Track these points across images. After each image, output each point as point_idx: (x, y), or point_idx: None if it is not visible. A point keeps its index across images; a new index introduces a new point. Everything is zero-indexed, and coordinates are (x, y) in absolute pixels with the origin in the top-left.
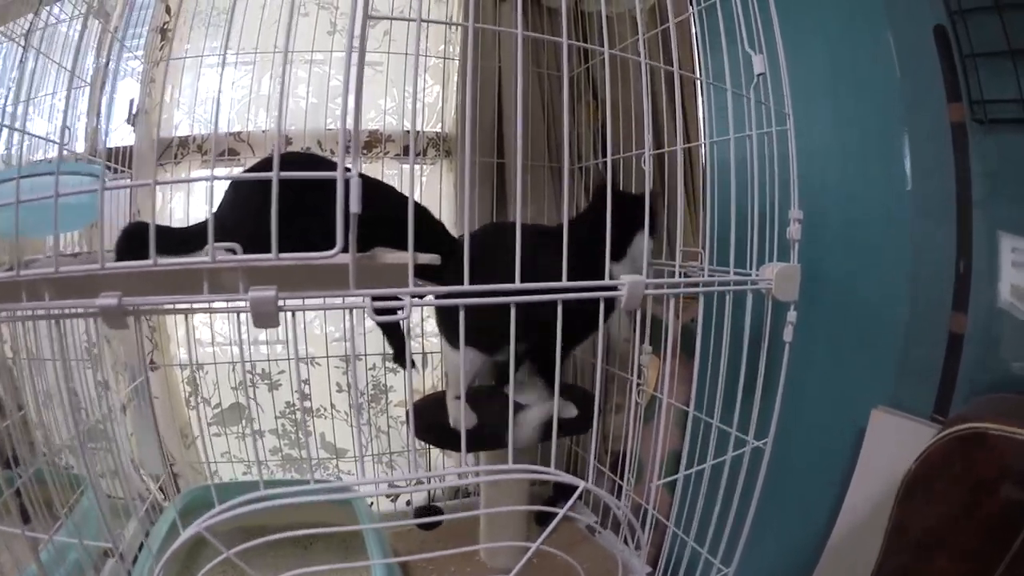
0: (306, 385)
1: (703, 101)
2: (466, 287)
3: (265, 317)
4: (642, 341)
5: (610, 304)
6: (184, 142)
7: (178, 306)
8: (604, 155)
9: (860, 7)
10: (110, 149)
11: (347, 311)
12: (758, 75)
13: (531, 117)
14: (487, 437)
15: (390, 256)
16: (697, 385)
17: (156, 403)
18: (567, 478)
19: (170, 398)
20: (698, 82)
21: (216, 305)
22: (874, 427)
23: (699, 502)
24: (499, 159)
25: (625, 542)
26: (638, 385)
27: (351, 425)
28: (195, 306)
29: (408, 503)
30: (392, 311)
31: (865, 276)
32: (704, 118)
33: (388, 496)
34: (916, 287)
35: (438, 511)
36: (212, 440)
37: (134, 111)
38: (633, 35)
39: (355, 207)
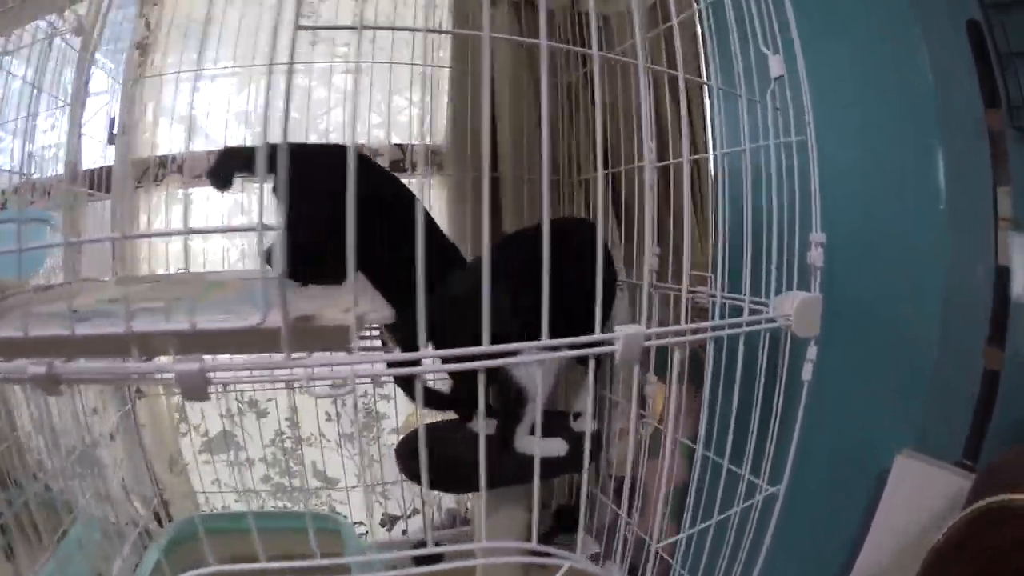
0: (295, 413)
1: (711, 107)
2: (423, 353)
3: (193, 391)
4: (646, 370)
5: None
6: (164, 162)
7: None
8: (605, 167)
9: (888, 3)
10: (88, 171)
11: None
12: (775, 78)
13: (527, 126)
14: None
15: (330, 315)
16: (706, 423)
17: (144, 431)
18: (551, 555)
19: (159, 425)
20: (705, 87)
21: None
22: (898, 473)
23: (705, 547)
24: (492, 173)
25: None
26: (642, 416)
27: (341, 455)
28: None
29: (404, 532)
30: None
31: (892, 304)
32: (712, 126)
33: (383, 525)
34: (948, 317)
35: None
36: (202, 468)
37: (114, 130)
38: (634, 35)
39: (279, 268)
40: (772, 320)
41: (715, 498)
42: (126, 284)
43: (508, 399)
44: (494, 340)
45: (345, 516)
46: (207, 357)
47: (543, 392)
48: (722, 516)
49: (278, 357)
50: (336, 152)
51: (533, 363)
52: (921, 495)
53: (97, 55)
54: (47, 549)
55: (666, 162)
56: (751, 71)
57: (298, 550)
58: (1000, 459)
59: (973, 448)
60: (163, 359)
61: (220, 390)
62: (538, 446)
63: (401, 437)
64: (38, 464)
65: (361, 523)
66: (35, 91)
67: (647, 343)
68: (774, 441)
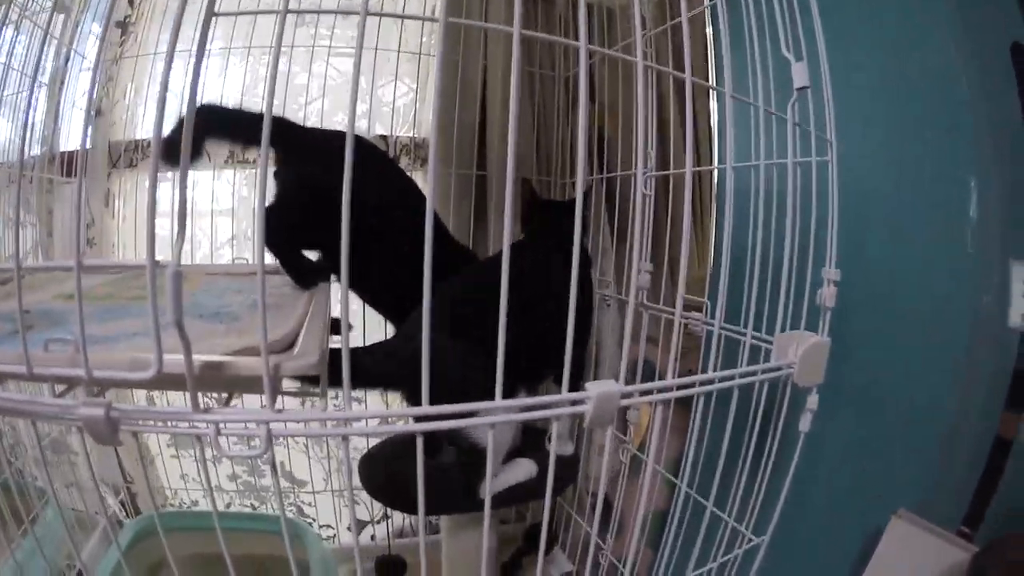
0: None
1: (717, 113)
2: (354, 413)
3: (102, 437)
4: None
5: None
6: (139, 146)
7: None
8: (601, 169)
9: (925, 16)
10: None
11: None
12: (798, 90)
13: (520, 122)
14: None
15: (244, 362)
16: (692, 460)
17: None
18: None
19: None
20: (711, 91)
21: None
22: (892, 535)
23: None
24: (479, 171)
25: None
26: (622, 443)
27: (309, 456)
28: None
29: (372, 538)
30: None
31: (908, 353)
32: (718, 134)
33: (350, 529)
34: (969, 376)
35: (400, 561)
36: (168, 463)
37: (92, 112)
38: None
39: (172, 314)
40: (773, 369)
41: (695, 537)
42: (91, 274)
43: (465, 459)
44: (456, 394)
45: (312, 519)
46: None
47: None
48: (699, 571)
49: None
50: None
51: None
52: (913, 561)
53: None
54: (15, 536)
55: (666, 172)
56: (768, 78)
57: (260, 551)
58: (999, 542)
59: (975, 517)
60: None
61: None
62: (489, 489)
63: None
64: (11, 449)
65: (329, 526)
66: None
67: (623, 402)
68: (763, 490)
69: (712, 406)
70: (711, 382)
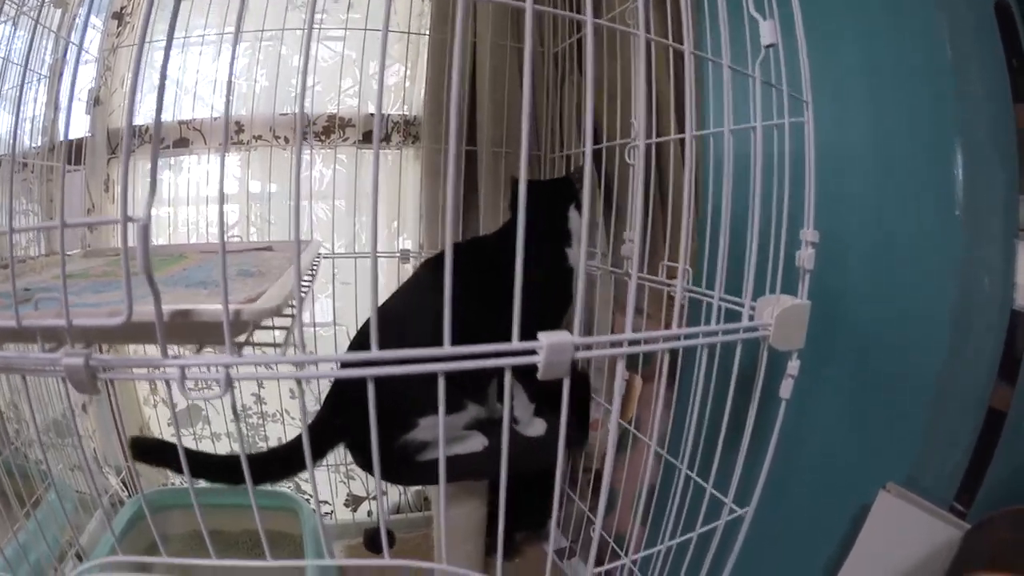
0: (261, 388)
1: (688, 78)
2: (316, 356)
3: (81, 385)
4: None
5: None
6: (136, 132)
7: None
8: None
9: None
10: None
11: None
12: (766, 47)
13: (508, 98)
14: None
15: (207, 311)
16: (673, 429)
17: (114, 401)
18: None
19: (127, 397)
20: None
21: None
22: (880, 510)
23: (667, 563)
24: (470, 146)
25: None
26: (608, 411)
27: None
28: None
29: (369, 514)
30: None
31: (893, 321)
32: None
33: (347, 506)
34: (957, 343)
35: (390, 534)
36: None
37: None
38: (624, 1)
39: (140, 264)
40: (749, 330)
41: (682, 510)
42: (92, 257)
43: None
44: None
45: (309, 495)
46: None
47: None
48: (682, 539)
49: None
50: None
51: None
52: (903, 538)
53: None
54: (18, 518)
55: (652, 140)
56: (741, 36)
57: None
58: (990, 520)
59: (968, 492)
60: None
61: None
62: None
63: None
64: (16, 433)
65: (326, 503)
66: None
67: (579, 354)
68: (743, 459)
69: (701, 372)
70: (676, 339)
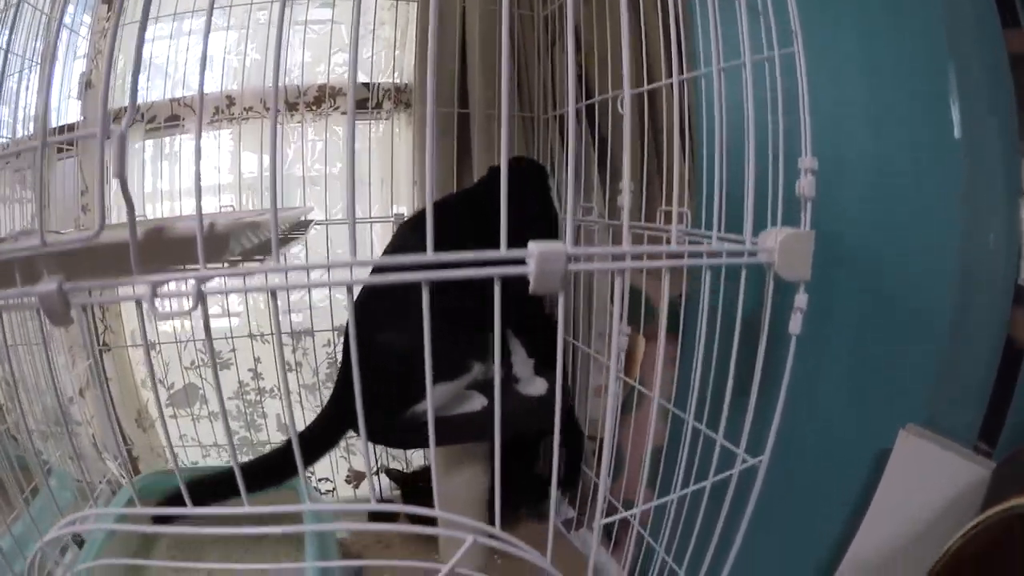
0: (258, 363)
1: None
2: (276, 266)
3: (55, 314)
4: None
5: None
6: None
7: None
8: (583, 100)
9: None
10: (60, 127)
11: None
12: None
13: (499, 59)
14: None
15: (181, 225)
16: (679, 381)
17: (111, 385)
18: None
19: (124, 381)
20: None
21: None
22: (902, 451)
23: (679, 516)
24: (462, 109)
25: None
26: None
27: (303, 407)
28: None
29: (374, 491)
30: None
31: (899, 255)
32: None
33: (348, 482)
34: (967, 273)
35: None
36: (167, 422)
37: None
38: None
39: (114, 169)
40: (750, 254)
41: (692, 464)
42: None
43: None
44: None
45: (311, 472)
46: None
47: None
48: (695, 487)
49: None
50: None
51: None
52: (927, 480)
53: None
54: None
55: (642, 88)
56: None
57: (259, 504)
58: (1019, 455)
59: (991, 430)
60: None
61: (81, 311)
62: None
63: None
64: (15, 424)
65: (327, 479)
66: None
67: (572, 266)
68: (755, 400)
69: (705, 301)
70: (680, 256)
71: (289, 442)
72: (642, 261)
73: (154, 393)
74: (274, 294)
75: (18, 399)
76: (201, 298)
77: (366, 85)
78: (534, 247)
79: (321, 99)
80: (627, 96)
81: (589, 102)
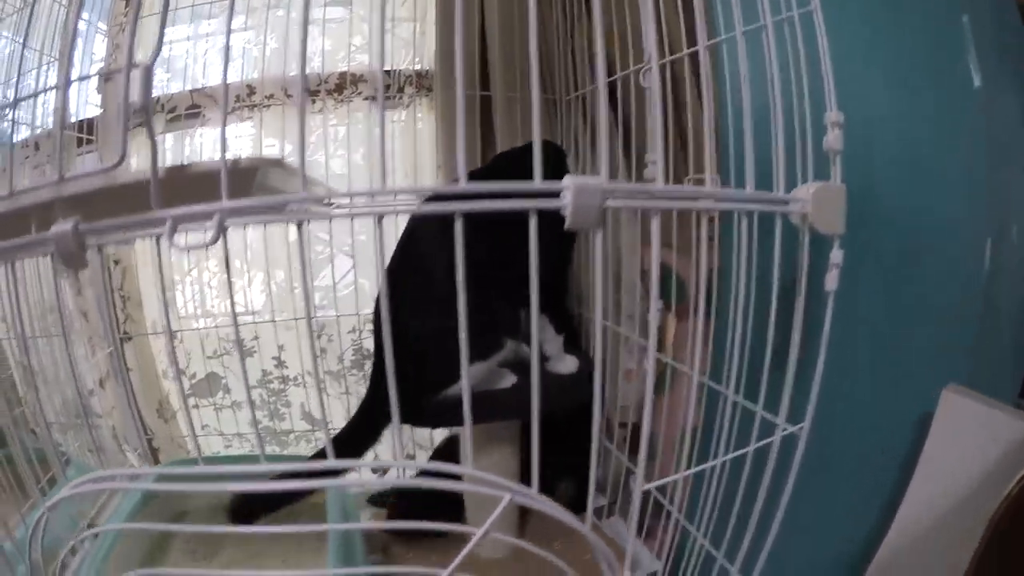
0: (282, 351)
1: None
2: (303, 195)
3: (69, 256)
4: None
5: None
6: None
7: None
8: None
9: None
10: (81, 121)
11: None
12: None
13: (518, 42)
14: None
15: (204, 162)
16: (714, 356)
17: (132, 376)
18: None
19: (146, 370)
20: None
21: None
22: (945, 412)
23: (716, 495)
24: (483, 91)
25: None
26: (644, 349)
27: (327, 394)
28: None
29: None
30: None
31: (932, 213)
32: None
33: (375, 472)
34: (1001, 228)
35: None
36: (189, 412)
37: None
38: None
39: (139, 99)
40: (783, 203)
41: (731, 438)
42: None
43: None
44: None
45: None
46: None
47: None
48: (735, 454)
49: None
50: None
51: None
52: (974, 437)
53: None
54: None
55: (666, 59)
56: None
57: None
58: None
59: None
60: None
61: (97, 253)
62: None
63: None
64: (33, 417)
65: (352, 470)
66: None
67: (609, 202)
68: (793, 371)
69: (742, 249)
70: (714, 198)
71: (334, 441)
72: (677, 201)
73: (177, 382)
74: (300, 225)
75: (35, 388)
76: (223, 231)
77: (387, 72)
78: (570, 180)
79: (343, 86)
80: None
81: (613, 78)
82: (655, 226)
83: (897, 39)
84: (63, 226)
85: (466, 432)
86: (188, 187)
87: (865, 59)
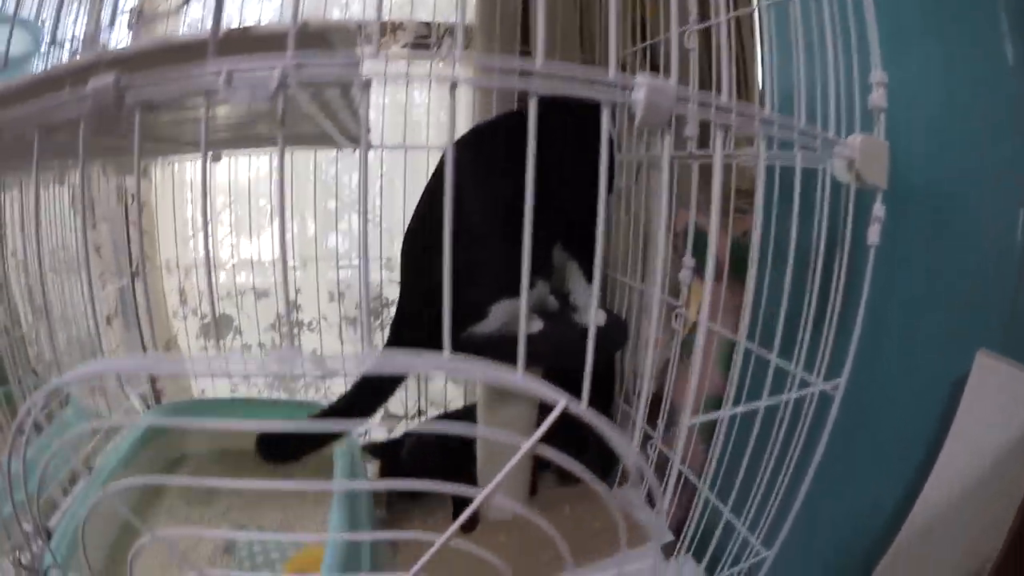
0: (298, 294)
1: None
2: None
3: (108, 119)
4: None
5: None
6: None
7: None
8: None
9: None
10: None
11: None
12: None
13: (560, 3)
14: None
15: (268, 26)
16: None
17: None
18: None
19: (155, 308)
20: None
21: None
22: (979, 375)
23: (743, 459)
24: (524, 47)
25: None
26: (674, 310)
27: (342, 340)
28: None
29: None
30: None
31: (969, 174)
32: None
33: (384, 426)
34: None
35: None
36: (198, 354)
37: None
38: None
39: None
40: (835, 143)
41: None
42: None
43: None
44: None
45: None
46: None
47: None
48: (769, 401)
49: None
50: None
51: None
52: (1007, 400)
53: None
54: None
55: (706, 23)
56: None
57: None
58: None
59: None
60: None
61: (138, 111)
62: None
63: None
64: (36, 357)
65: None
66: None
67: (679, 109)
68: (834, 324)
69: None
70: (771, 123)
71: (359, 385)
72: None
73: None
74: (367, 84)
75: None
76: (284, 88)
77: (427, 24)
78: (643, 78)
79: (382, 33)
80: None
81: (651, 42)
82: (719, 141)
83: (938, 10)
84: (103, 80)
85: (522, 320)
86: (250, 50)
87: (909, 27)
